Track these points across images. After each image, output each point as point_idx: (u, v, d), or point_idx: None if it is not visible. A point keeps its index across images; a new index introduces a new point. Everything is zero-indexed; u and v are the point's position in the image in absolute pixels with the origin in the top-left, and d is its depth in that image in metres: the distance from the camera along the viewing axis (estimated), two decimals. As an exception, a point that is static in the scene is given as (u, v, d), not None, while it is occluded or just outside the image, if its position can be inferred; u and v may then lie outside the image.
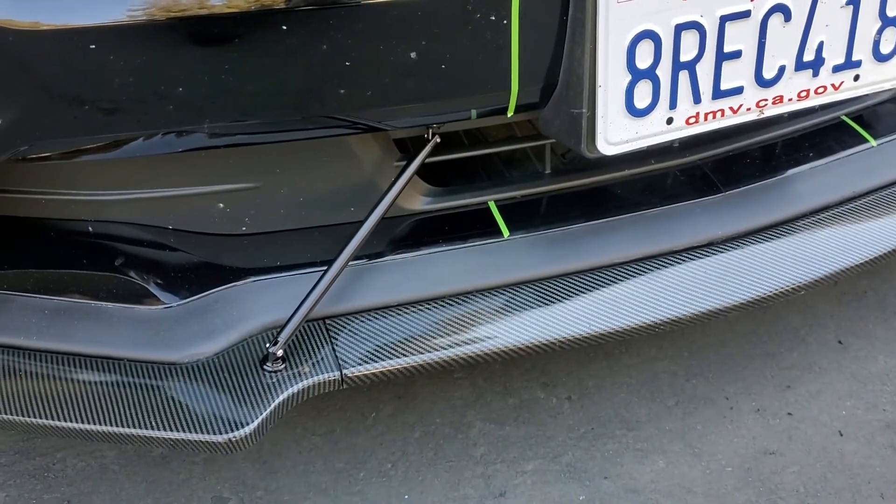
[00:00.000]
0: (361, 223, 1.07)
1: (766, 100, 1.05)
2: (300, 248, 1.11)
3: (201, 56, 0.90)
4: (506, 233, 1.15)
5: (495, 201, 1.19)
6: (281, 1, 0.88)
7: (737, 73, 1.02)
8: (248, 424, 0.96)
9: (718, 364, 1.41)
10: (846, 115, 1.34)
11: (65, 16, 0.86)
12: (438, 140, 1.10)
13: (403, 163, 1.11)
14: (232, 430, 0.96)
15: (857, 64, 1.08)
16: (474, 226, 1.16)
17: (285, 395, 0.99)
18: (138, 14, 0.87)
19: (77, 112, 0.91)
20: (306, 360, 1.03)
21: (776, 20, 1.00)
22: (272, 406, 0.98)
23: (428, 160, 1.11)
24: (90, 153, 0.99)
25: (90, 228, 1.12)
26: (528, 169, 1.25)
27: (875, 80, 1.10)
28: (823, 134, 1.32)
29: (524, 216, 1.18)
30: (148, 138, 0.97)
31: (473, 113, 1.03)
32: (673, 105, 1.00)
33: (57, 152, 0.98)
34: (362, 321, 1.08)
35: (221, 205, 1.10)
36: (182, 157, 1.04)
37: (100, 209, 1.11)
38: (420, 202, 1.17)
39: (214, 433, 0.96)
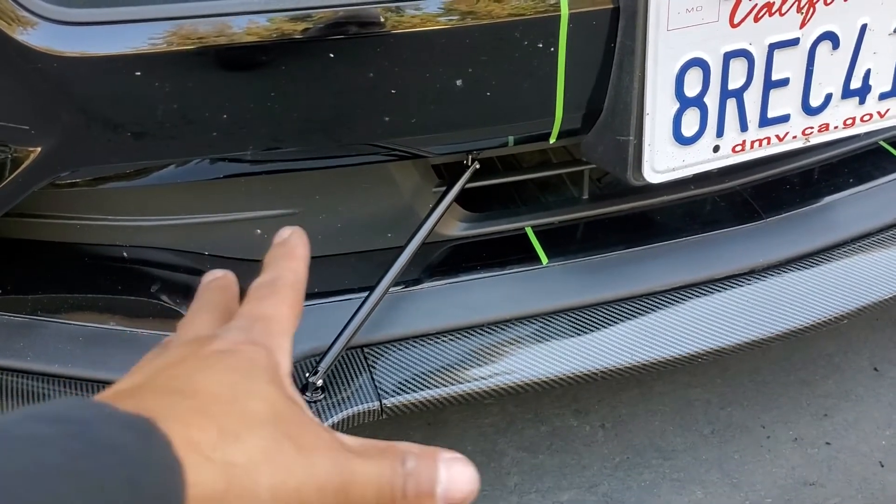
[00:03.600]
0: (401, 249, 1.05)
1: (812, 128, 1.04)
2: (339, 275, 1.10)
3: (245, 83, 0.89)
4: (544, 260, 1.14)
5: (533, 227, 1.18)
6: (326, 28, 0.87)
7: (784, 101, 1.00)
8: (288, 456, 0.94)
9: (753, 392, 1.40)
10: (884, 140, 1.33)
11: (109, 43, 0.85)
12: (478, 166, 1.09)
13: (442, 189, 1.10)
14: (272, 462, 0.94)
15: (904, 91, 1.06)
16: (512, 252, 1.15)
17: (326, 425, 0.97)
18: (183, 41, 0.86)
19: (117, 138, 0.90)
20: (345, 390, 1.01)
21: (824, 48, 0.99)
22: (312, 437, 0.96)
23: (466, 186, 1.10)
24: (128, 179, 0.98)
25: (125, 254, 1.10)
26: (563, 194, 1.24)
27: (920, 107, 1.08)
28: (862, 160, 1.30)
29: (562, 243, 1.16)
30: (186, 164, 0.96)
31: (511, 140, 1.02)
32: (720, 133, 0.99)
33: (96, 178, 0.97)
34: (400, 349, 1.07)
35: (259, 231, 1.09)
36: (221, 183, 1.03)
37: (136, 235, 1.10)
38: (458, 228, 1.16)
39: (254, 465, 0.94)
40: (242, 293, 0.49)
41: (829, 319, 1.15)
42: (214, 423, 0.36)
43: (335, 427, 0.99)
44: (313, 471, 0.38)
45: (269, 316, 0.45)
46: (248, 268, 1.11)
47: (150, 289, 1.08)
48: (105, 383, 1.04)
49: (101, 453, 0.32)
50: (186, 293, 1.08)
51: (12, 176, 0.93)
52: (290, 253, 0.50)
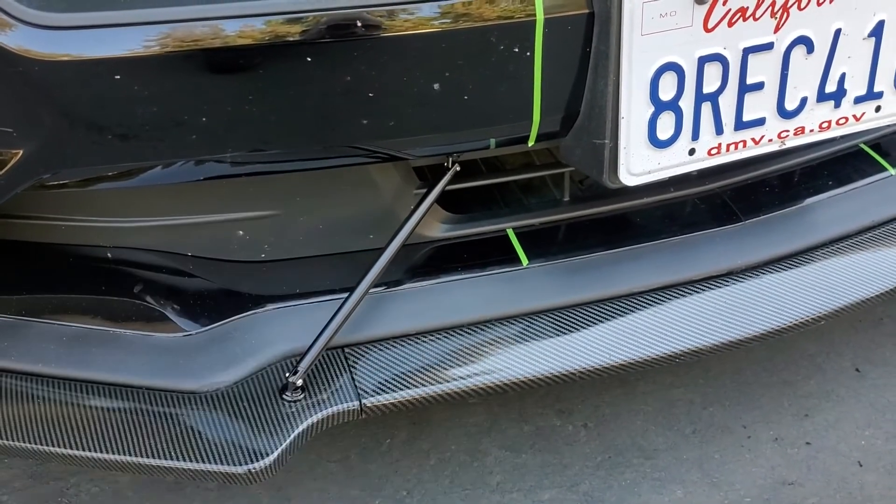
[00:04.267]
0: (382, 251, 1.06)
1: (787, 131, 1.05)
2: (320, 276, 1.11)
3: (224, 86, 0.90)
4: (525, 261, 1.15)
5: (514, 229, 1.19)
6: (303, 32, 0.89)
7: (759, 105, 1.02)
8: (267, 455, 0.96)
9: (735, 392, 1.41)
10: (864, 143, 1.34)
11: (88, 47, 0.87)
12: (458, 168, 1.10)
13: (423, 190, 1.11)
14: (251, 461, 0.95)
15: (879, 95, 1.07)
16: (493, 254, 1.16)
17: (305, 424, 0.99)
18: (161, 45, 0.87)
19: (99, 141, 0.91)
20: (325, 389, 1.03)
21: (799, 52, 1.00)
22: (292, 436, 0.97)
23: (447, 188, 1.11)
24: (111, 181, 0.99)
25: (109, 255, 1.12)
26: (545, 196, 1.25)
27: (896, 110, 1.10)
28: (842, 162, 1.31)
29: (543, 244, 1.18)
30: (169, 166, 0.97)
31: (492, 142, 1.03)
32: (695, 136, 1.00)
33: (78, 180, 0.98)
34: (381, 350, 1.08)
35: (241, 232, 1.10)
36: (203, 184, 1.04)
37: (119, 236, 1.11)
38: (439, 229, 1.17)
39: (233, 464, 0.96)
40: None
41: (808, 320, 1.16)
42: None
43: (315, 427, 1.01)
44: None
45: None
46: (229, 268, 1.12)
47: (133, 289, 1.09)
48: (89, 383, 1.05)
49: None
50: (169, 294, 1.09)
51: (-5, 178, 0.94)
52: None
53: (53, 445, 1.00)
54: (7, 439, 1.00)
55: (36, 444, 1.00)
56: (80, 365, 1.06)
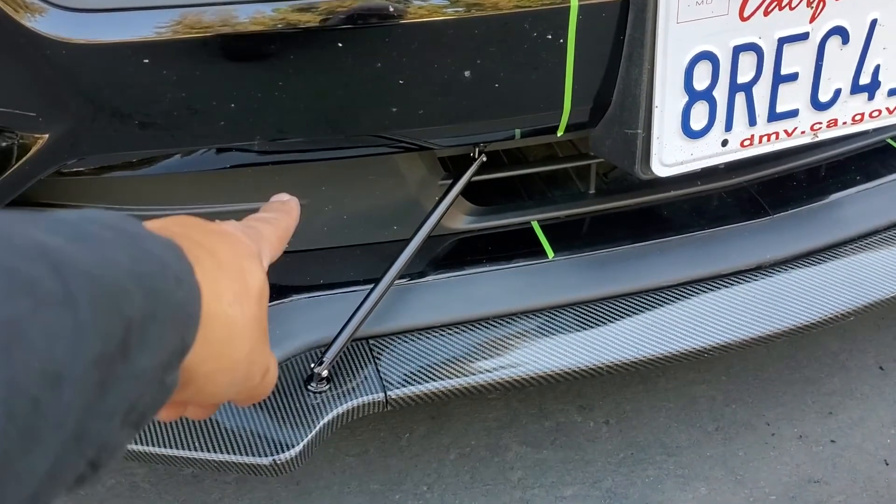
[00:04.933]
0: (407, 242, 1.05)
1: (820, 123, 1.04)
2: (344, 267, 1.10)
3: (253, 72, 0.89)
4: (550, 254, 1.14)
5: (539, 221, 1.18)
6: (336, 18, 0.87)
7: (793, 96, 1.00)
8: (293, 446, 0.94)
9: (758, 389, 1.39)
10: (892, 137, 1.32)
11: (117, 31, 0.85)
12: (485, 159, 1.08)
13: (448, 181, 1.10)
14: (276, 453, 0.94)
15: (913, 88, 1.06)
16: (519, 246, 1.15)
17: (330, 416, 0.97)
18: (189, 30, 0.86)
19: (126, 127, 0.90)
20: (351, 381, 1.01)
21: (834, 43, 0.99)
22: (317, 427, 0.96)
23: (472, 179, 1.10)
24: (135, 168, 0.98)
25: (131, 244, 1.10)
26: (570, 189, 1.24)
27: (929, 103, 1.08)
28: (870, 157, 1.30)
29: (569, 237, 1.16)
30: (194, 154, 0.96)
31: (518, 133, 1.01)
32: (729, 127, 0.99)
33: (102, 166, 0.97)
34: (405, 342, 1.06)
35: (265, 222, 1.09)
36: (227, 173, 1.02)
37: (141, 224, 1.09)
38: (463, 221, 1.16)
39: (258, 455, 0.94)
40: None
41: (835, 317, 1.14)
42: (230, 285, 0.46)
43: (341, 418, 0.99)
44: (267, 349, 0.52)
45: (261, 231, 0.56)
46: (253, 258, 1.11)
47: (155, 279, 1.07)
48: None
49: (152, 261, 0.39)
50: (192, 283, 1.08)
51: (19, 163, 0.92)
52: (288, 209, 0.63)
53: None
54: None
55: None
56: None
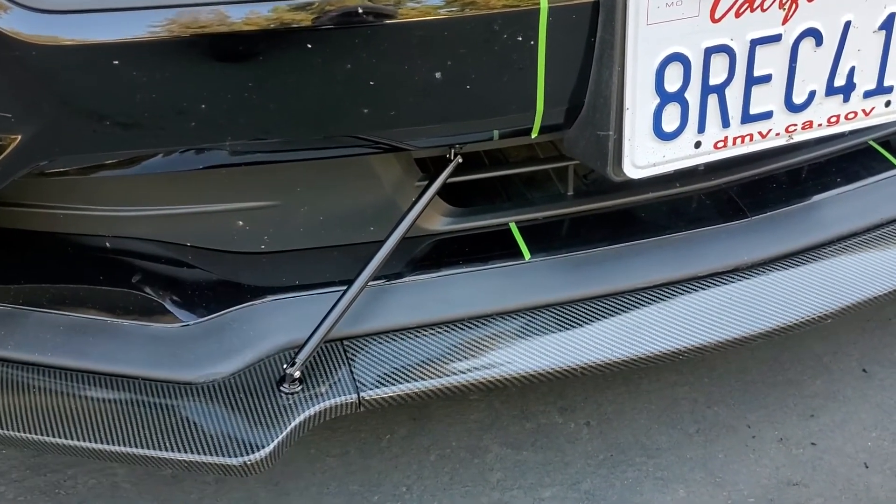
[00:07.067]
0: (382, 243, 1.05)
1: (795, 125, 1.03)
2: (319, 268, 1.10)
3: (224, 73, 0.89)
4: (527, 255, 1.14)
5: (516, 223, 1.18)
6: (306, 19, 0.87)
7: (766, 98, 1.00)
8: (263, 447, 0.95)
9: (740, 391, 1.39)
10: (873, 140, 1.32)
11: (88, 31, 0.86)
12: (461, 160, 1.08)
13: (425, 183, 1.10)
14: (247, 453, 0.94)
15: (889, 90, 1.06)
16: (495, 247, 1.15)
17: (302, 417, 0.97)
18: (161, 30, 0.86)
19: (97, 127, 0.91)
20: (323, 382, 1.01)
21: (807, 45, 0.99)
22: (288, 429, 0.96)
23: (449, 180, 1.10)
24: (109, 169, 0.98)
25: (107, 244, 1.11)
26: (549, 190, 1.24)
27: (906, 105, 1.08)
28: (851, 159, 1.29)
29: (546, 238, 1.16)
30: (168, 155, 0.96)
31: (495, 134, 1.02)
32: (701, 129, 0.99)
33: (76, 167, 0.97)
34: (380, 343, 1.07)
35: (241, 222, 1.09)
36: (202, 174, 1.03)
37: (117, 225, 1.10)
38: (440, 223, 1.16)
39: (229, 456, 0.95)
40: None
41: (815, 318, 1.14)
42: None
43: (312, 419, 0.99)
44: None
45: None
46: (228, 259, 1.11)
47: (131, 279, 1.08)
48: (86, 373, 1.05)
49: None
50: (167, 284, 1.08)
51: (-8, 164, 0.93)
52: None
53: (50, 435, 0.99)
54: (3, 429, 1.00)
55: (32, 433, 0.99)
56: (77, 355, 1.05)
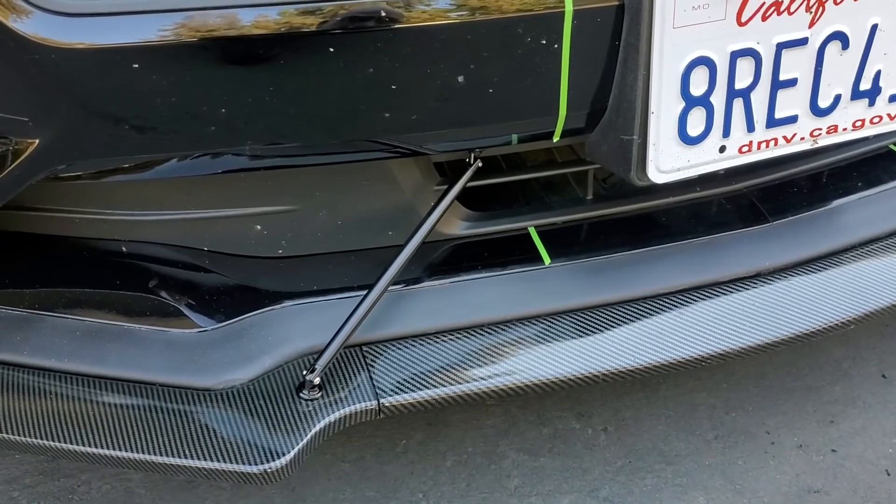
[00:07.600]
0: (401, 248, 1.04)
1: (820, 129, 1.02)
2: (337, 273, 1.09)
3: (244, 77, 0.88)
4: (547, 260, 1.13)
5: (536, 227, 1.17)
6: (328, 23, 0.86)
7: (792, 102, 0.99)
8: (283, 455, 0.94)
9: (758, 397, 1.38)
10: (894, 143, 1.31)
11: (107, 34, 0.85)
12: (480, 164, 1.07)
13: (444, 187, 1.09)
14: (267, 461, 0.93)
15: (915, 93, 1.04)
16: (515, 252, 1.14)
17: (322, 424, 0.96)
18: (181, 33, 0.85)
19: (116, 131, 0.90)
20: (343, 388, 1.00)
21: (833, 48, 0.97)
22: (309, 436, 0.95)
23: (468, 185, 1.09)
24: (126, 173, 0.97)
25: (124, 248, 1.10)
26: (567, 194, 1.22)
27: (932, 109, 1.07)
28: (872, 163, 1.28)
29: (565, 243, 1.15)
30: (185, 159, 0.95)
31: (515, 138, 1.00)
32: (726, 133, 0.97)
33: (94, 171, 0.96)
34: (399, 348, 1.05)
35: (259, 227, 1.08)
36: (220, 178, 1.02)
37: (134, 229, 1.09)
38: (459, 227, 1.14)
39: (249, 463, 0.94)
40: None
41: (836, 324, 1.13)
42: None
43: (332, 426, 0.98)
44: None
45: None
46: (246, 264, 1.10)
47: (148, 284, 1.07)
48: (102, 379, 1.04)
49: None
50: (185, 289, 1.07)
51: (10, 168, 0.92)
52: None
53: (65, 442, 0.98)
54: (19, 435, 0.99)
55: (47, 440, 0.98)
56: (93, 360, 1.04)
